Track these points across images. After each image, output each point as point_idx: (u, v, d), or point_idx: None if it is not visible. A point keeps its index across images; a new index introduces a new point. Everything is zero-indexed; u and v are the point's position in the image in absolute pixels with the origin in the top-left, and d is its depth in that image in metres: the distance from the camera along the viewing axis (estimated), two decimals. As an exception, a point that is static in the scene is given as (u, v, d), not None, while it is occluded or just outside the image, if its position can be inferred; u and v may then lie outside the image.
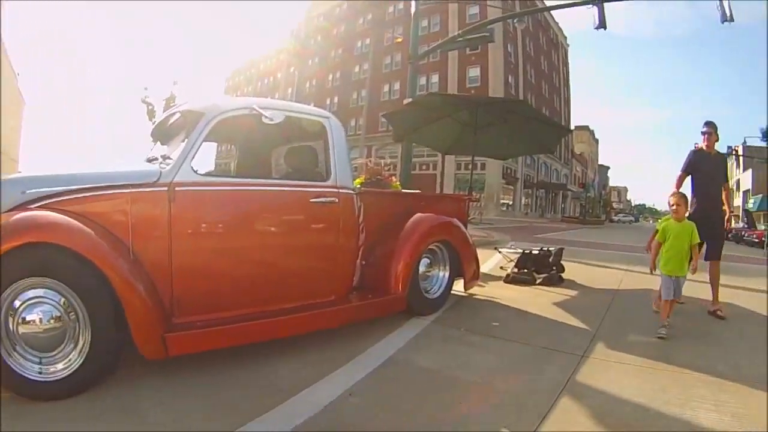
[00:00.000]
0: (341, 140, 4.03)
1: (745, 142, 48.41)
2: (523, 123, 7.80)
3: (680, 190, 5.08)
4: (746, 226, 34.80)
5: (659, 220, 5.42)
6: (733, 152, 43.48)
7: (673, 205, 4.67)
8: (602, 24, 13.78)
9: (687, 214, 4.84)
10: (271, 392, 2.79)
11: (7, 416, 2.37)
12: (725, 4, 13.60)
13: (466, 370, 3.27)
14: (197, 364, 3.04)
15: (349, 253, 4.02)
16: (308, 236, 3.80)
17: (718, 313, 5.29)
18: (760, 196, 49.10)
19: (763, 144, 38.61)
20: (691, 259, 4.61)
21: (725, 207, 6.16)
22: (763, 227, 23.68)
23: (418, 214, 4.67)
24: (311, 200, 3.69)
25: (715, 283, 5.51)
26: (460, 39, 16.15)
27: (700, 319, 5.16)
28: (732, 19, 13.82)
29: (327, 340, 3.65)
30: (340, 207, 3.84)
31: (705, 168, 5.79)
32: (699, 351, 3.99)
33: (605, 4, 13.66)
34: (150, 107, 24.80)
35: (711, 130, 5.85)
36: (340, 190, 3.86)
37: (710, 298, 5.52)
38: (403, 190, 5.55)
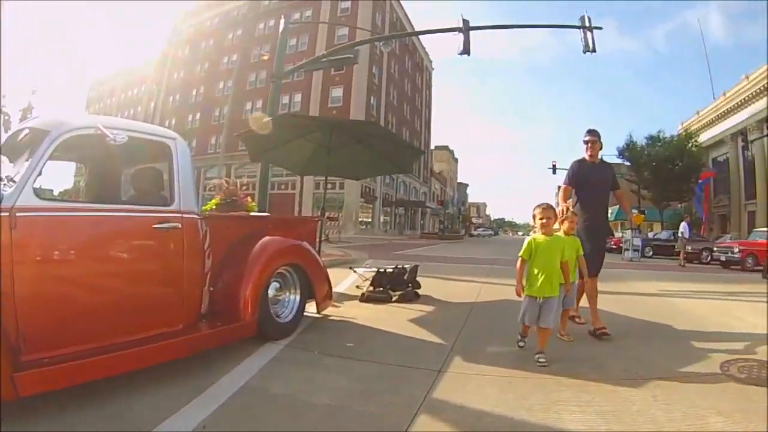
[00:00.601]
0: (186, 163, 3.88)
1: (602, 159, 53.32)
2: (377, 144, 7.96)
3: (548, 202, 4.49)
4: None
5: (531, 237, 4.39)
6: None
7: (542, 218, 4.18)
8: (466, 50, 14.60)
9: (573, 229, 4.86)
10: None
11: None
12: (588, 36, 14.92)
13: (321, 395, 3.20)
14: (44, 403, 2.78)
15: (195, 279, 3.84)
16: (152, 264, 3.59)
17: (604, 332, 4.94)
18: (617, 207, 53.95)
19: (620, 161, 42.92)
20: (581, 274, 4.91)
21: (628, 213, 7.45)
22: (619, 235, 26.64)
23: (266, 238, 4.61)
24: (154, 226, 3.51)
25: (593, 301, 5.21)
26: (325, 59, 16.45)
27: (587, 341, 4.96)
28: (594, 50, 15.14)
29: (180, 370, 3.46)
30: (183, 232, 3.68)
31: (591, 178, 5.55)
32: (560, 354, 4.21)
33: (471, 32, 14.48)
34: (6, 117, 22.38)
35: (594, 138, 5.61)
36: (184, 215, 3.71)
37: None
38: (251, 214, 5.39)
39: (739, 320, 6.43)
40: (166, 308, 3.66)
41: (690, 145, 39.40)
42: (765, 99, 34.86)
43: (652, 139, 40.76)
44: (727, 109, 41.08)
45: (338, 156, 7.81)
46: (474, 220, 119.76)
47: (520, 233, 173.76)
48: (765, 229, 20.85)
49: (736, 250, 18.59)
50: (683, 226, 19.94)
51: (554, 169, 42.18)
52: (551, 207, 4.38)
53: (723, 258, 19.06)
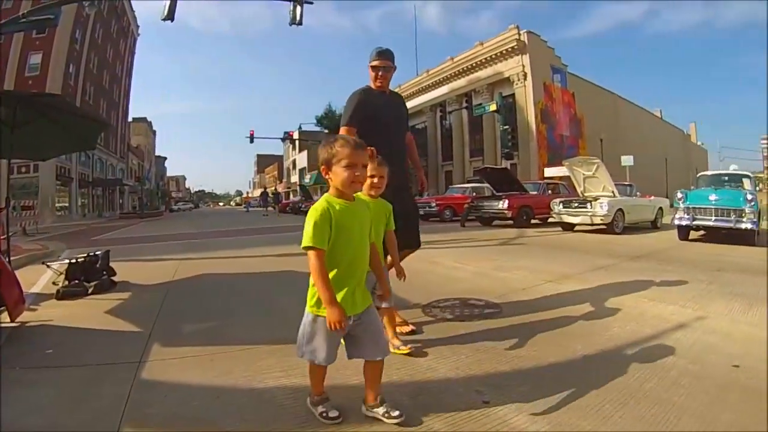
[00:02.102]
0: None
1: (300, 127, 55.15)
2: (64, 119, 7.15)
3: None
4: (303, 198, 40.28)
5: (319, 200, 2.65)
6: (289, 137, 49.19)
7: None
8: (170, 16, 13.93)
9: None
10: None
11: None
12: (298, 9, 15.03)
13: (31, 416, 2.78)
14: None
15: None
16: None
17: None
18: (315, 172, 56.87)
19: (317, 128, 45.30)
20: (386, 254, 3.49)
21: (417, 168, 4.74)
22: (317, 197, 28.18)
23: None
24: None
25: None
26: (24, 20, 13.98)
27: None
28: (300, 23, 15.23)
29: None
30: None
31: (384, 115, 4.23)
32: (257, 323, 4.34)
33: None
34: None
35: (387, 62, 4.30)
36: None
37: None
38: None
39: (439, 265, 7.32)
40: None
41: None
42: (464, 78, 43.09)
43: None
44: (428, 84, 48.42)
45: (23, 135, 6.80)
46: (174, 195, 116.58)
47: (221, 204, 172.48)
48: (461, 185, 24.39)
49: (434, 204, 21.42)
50: None
51: (251, 138, 43.10)
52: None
53: (422, 212, 21.00)
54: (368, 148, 2.97)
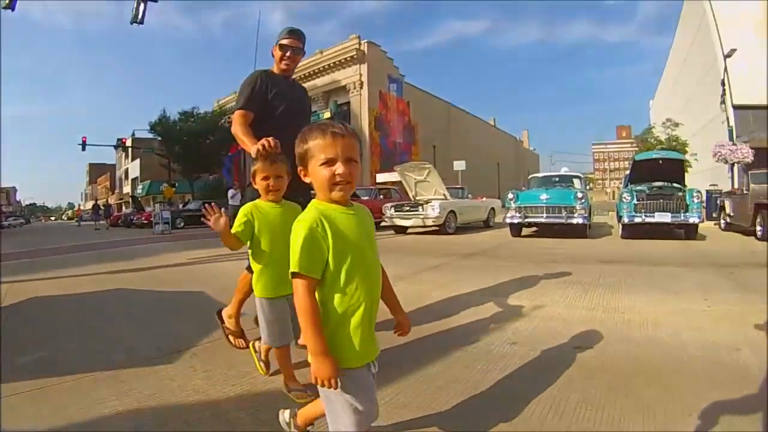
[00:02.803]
0: None
1: (134, 134, 51.53)
2: None
3: (268, 140, 2.97)
4: (135, 210, 37.86)
5: (305, 210, 1.90)
6: (122, 144, 45.85)
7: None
8: (10, 5, 12.71)
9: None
10: None
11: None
12: (141, 7, 14.25)
13: None
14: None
15: None
16: None
17: None
18: (148, 181, 53.40)
19: (150, 135, 42.76)
20: None
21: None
22: (149, 209, 26.56)
23: None
24: None
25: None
26: None
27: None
28: (141, 22, 14.43)
29: None
30: None
31: (286, 102, 3.81)
32: (89, 348, 3.88)
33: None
34: None
35: (298, 42, 3.88)
36: None
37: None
38: None
39: None
40: None
41: (223, 121, 43.02)
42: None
43: (186, 115, 43.08)
44: None
45: None
46: (4, 209, 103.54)
47: (52, 218, 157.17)
48: None
49: None
50: (231, 193, 20.97)
51: (84, 145, 39.33)
52: (280, 153, 2.91)
53: None
54: (267, 139, 2.95)
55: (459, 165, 30.07)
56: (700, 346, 3.50)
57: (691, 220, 11.75)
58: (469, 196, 17.60)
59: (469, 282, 6.10)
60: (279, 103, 3.75)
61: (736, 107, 30.42)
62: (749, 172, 14.27)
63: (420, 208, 14.68)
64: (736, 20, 33.24)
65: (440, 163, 36.20)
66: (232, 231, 2.75)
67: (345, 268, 1.64)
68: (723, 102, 25.93)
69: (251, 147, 3.12)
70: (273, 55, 3.91)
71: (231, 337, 3.68)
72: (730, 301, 5.02)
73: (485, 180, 46.15)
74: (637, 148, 37.19)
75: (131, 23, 14.45)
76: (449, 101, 52.10)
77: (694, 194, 11.95)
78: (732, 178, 22.30)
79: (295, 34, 3.85)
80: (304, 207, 1.80)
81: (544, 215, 12.77)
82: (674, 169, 13.53)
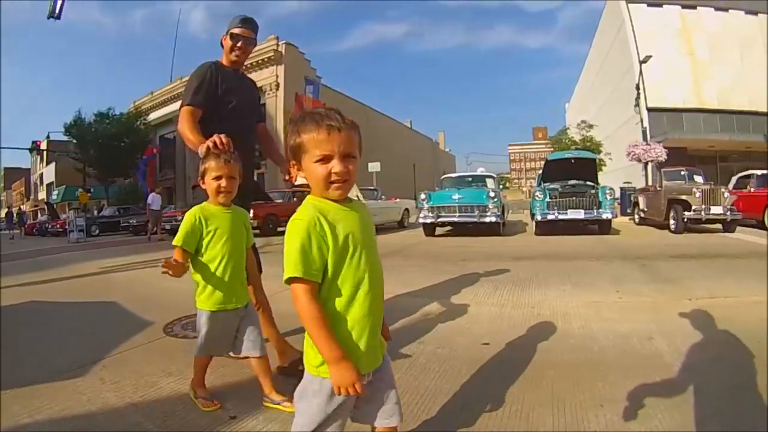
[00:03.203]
0: None
1: (48, 136, 48.80)
2: None
3: (217, 138, 2.67)
4: (50, 217, 35.92)
5: (300, 207, 1.68)
6: (37, 147, 43.35)
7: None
8: None
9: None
10: None
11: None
12: (59, 1, 13.70)
13: None
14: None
15: None
16: None
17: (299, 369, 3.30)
18: (63, 186, 50.75)
19: (66, 138, 40.63)
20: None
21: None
22: (64, 216, 25.11)
23: None
24: None
25: (270, 323, 3.23)
26: None
27: None
28: (59, 17, 13.93)
29: None
30: None
31: (235, 98, 3.43)
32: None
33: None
34: None
35: (251, 32, 3.49)
36: None
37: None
38: None
39: (181, 281, 6.64)
40: None
41: (139, 123, 41.80)
42: None
43: (101, 116, 41.08)
44: (181, 92, 44.47)
45: None
46: None
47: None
48: None
49: (180, 218, 20.16)
50: (152, 198, 19.75)
51: None
52: (233, 152, 2.63)
53: (168, 227, 20.19)
54: (219, 136, 2.65)
55: (374, 166, 29.72)
56: (612, 337, 3.52)
57: (604, 216, 12.18)
58: (383, 197, 17.61)
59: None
60: (230, 99, 3.38)
61: (650, 110, 32.03)
62: (662, 169, 15.06)
63: (337, 211, 14.24)
64: (652, 29, 35.11)
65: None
66: (174, 243, 2.43)
67: (347, 269, 1.47)
68: (637, 105, 27.02)
69: (199, 145, 2.78)
70: (222, 45, 3.51)
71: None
72: (643, 291, 5.14)
73: (401, 181, 46.38)
74: (552, 149, 38.50)
75: (48, 18, 13.88)
76: (366, 104, 52.09)
77: (607, 191, 12.41)
78: (646, 176, 23.38)
79: (248, 23, 3.46)
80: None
81: (457, 214, 12.86)
82: (587, 168, 13.97)
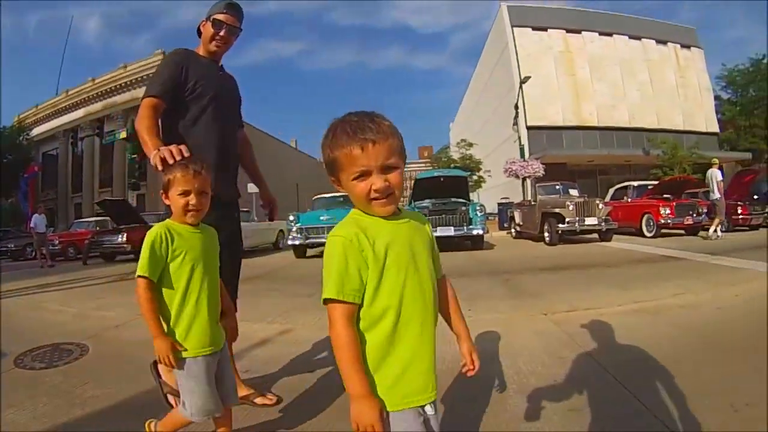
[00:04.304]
0: None
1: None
2: None
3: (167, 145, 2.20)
4: None
5: (340, 223, 1.56)
6: None
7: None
8: None
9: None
10: None
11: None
12: None
13: None
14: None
15: None
16: None
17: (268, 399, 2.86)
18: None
19: None
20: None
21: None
22: None
23: None
24: None
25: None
26: None
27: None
28: None
29: None
30: None
31: (212, 93, 2.84)
32: None
33: None
34: None
35: (235, 19, 2.93)
36: None
37: None
38: None
39: (45, 310, 6.43)
40: None
41: (21, 138, 39.42)
42: (101, 102, 40.34)
43: None
44: (65, 106, 43.47)
45: None
46: None
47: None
48: (87, 219, 23.39)
49: (57, 242, 19.33)
50: (35, 219, 17.40)
51: None
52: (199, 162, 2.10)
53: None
54: (171, 148, 2.14)
55: (252, 187, 28.77)
56: (448, 360, 3.14)
57: (474, 232, 12.34)
58: (255, 218, 17.31)
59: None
60: (204, 94, 2.80)
61: (530, 128, 33.54)
62: (537, 184, 15.89)
63: (209, 233, 13.42)
64: (536, 51, 37.08)
65: (240, 186, 34.82)
66: (140, 272, 1.87)
67: (390, 288, 1.29)
68: (515, 123, 27.90)
69: (152, 152, 2.26)
70: (199, 33, 2.96)
71: (172, 398, 2.30)
72: (498, 308, 5.08)
73: (284, 202, 45.45)
74: (431, 167, 39.38)
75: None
76: (250, 123, 50.87)
77: (477, 208, 12.62)
78: (523, 191, 24.17)
79: (234, 8, 2.90)
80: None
81: (325, 236, 12.17)
82: (458, 186, 14.09)
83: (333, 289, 1.26)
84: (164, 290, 1.94)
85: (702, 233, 13.45)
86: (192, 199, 1.99)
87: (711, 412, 2.38)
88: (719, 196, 12.44)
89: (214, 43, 2.88)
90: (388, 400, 1.28)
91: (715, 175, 12.47)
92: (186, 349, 1.89)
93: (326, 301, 1.28)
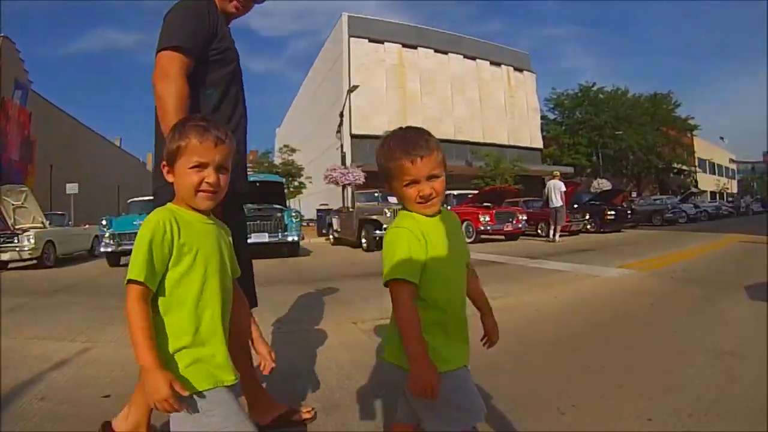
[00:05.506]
0: None
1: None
2: None
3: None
4: None
5: (399, 218, 1.62)
6: None
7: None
8: None
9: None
10: None
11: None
12: None
13: None
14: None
15: None
16: None
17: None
18: None
19: None
20: None
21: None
22: None
23: None
24: None
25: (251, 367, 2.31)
26: None
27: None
28: None
29: None
30: None
31: (236, 61, 2.35)
32: None
33: None
34: None
35: None
36: None
37: None
38: None
39: None
40: None
41: None
42: None
43: None
44: None
45: None
46: None
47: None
48: None
49: None
50: None
51: None
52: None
53: None
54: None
55: (71, 188, 26.42)
56: None
57: (289, 239, 12.52)
58: (70, 222, 16.33)
59: (33, 326, 5.06)
60: (231, 60, 2.30)
61: (354, 136, 34.72)
62: (355, 192, 16.05)
63: (16, 239, 12.40)
64: (369, 62, 38.40)
65: (57, 185, 31.61)
66: (131, 275, 1.38)
67: (434, 279, 1.54)
68: (339, 131, 28.76)
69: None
70: None
71: None
72: (303, 320, 4.94)
73: (103, 205, 41.84)
74: (252, 171, 39.64)
75: None
76: (77, 117, 47.42)
77: (292, 214, 12.84)
78: (343, 198, 24.73)
79: None
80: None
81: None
82: (274, 192, 14.20)
83: (400, 270, 1.48)
84: (164, 300, 1.45)
85: (544, 237, 15.68)
86: (210, 176, 1.50)
87: (537, 416, 2.44)
88: (561, 204, 14.43)
89: (233, 3, 2.37)
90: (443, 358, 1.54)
91: (558, 186, 14.50)
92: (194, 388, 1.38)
93: (392, 282, 1.50)
